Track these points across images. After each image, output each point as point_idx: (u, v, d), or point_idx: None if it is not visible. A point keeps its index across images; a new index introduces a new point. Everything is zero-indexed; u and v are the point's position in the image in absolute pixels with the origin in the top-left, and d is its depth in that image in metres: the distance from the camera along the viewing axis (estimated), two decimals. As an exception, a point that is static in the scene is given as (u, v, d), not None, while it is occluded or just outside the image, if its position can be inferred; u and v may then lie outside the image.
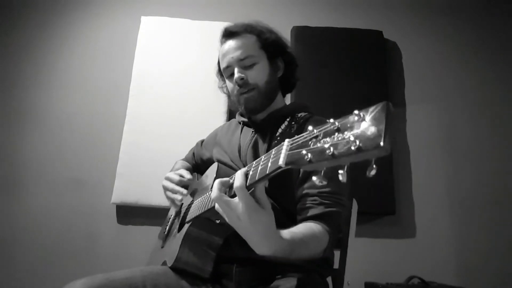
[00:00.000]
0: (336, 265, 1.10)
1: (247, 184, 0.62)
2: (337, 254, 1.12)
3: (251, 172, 0.63)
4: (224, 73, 1.13)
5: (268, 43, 1.11)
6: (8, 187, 2.11)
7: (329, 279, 1.05)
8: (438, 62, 2.36)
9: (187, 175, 1.11)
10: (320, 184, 0.49)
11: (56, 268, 1.97)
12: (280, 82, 1.15)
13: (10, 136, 2.20)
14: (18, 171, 2.14)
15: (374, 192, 2.01)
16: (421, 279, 1.77)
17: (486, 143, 2.21)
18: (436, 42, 2.39)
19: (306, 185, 0.93)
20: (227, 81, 1.14)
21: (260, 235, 0.65)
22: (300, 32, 2.30)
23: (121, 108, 2.18)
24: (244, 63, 1.07)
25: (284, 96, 1.20)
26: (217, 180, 0.68)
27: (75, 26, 2.41)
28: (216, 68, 1.23)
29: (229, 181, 0.69)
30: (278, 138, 1.02)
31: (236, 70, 1.06)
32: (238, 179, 0.63)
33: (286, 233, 0.73)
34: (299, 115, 1.08)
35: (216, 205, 0.68)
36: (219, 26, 2.23)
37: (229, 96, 1.21)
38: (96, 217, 2.07)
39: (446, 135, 2.23)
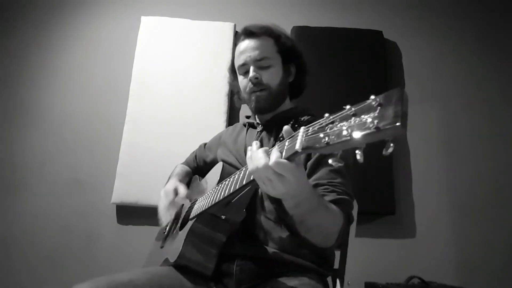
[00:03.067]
0: (336, 265, 1.10)
1: (287, 156, 0.61)
2: (337, 254, 1.12)
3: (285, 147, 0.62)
4: (239, 70, 1.16)
5: (284, 48, 1.15)
6: (8, 187, 2.11)
7: (329, 279, 1.05)
8: (438, 62, 2.36)
9: (182, 192, 1.11)
10: (338, 166, 0.50)
11: (56, 268, 1.97)
12: (289, 87, 1.18)
13: (10, 136, 2.20)
14: (18, 171, 2.14)
15: (374, 192, 2.01)
16: (421, 279, 1.77)
17: (486, 143, 2.21)
18: (436, 42, 2.39)
19: (314, 176, 0.95)
20: (240, 77, 1.16)
21: (297, 184, 0.66)
22: (300, 32, 2.30)
23: (121, 108, 2.18)
24: (261, 64, 1.10)
25: (291, 100, 1.23)
26: (261, 149, 0.68)
27: (75, 26, 2.40)
28: (229, 64, 1.25)
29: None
30: (281, 138, 1.03)
31: (251, 69, 1.10)
32: (274, 154, 0.63)
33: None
34: (302, 118, 1.10)
35: (254, 165, 0.67)
36: (220, 26, 2.25)
37: (237, 93, 1.25)
38: (96, 217, 2.07)
39: (445, 135, 2.23)
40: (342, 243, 1.11)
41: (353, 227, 1.15)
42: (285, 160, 0.62)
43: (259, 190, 0.99)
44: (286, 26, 2.25)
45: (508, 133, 2.23)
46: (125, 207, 2.06)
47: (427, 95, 2.31)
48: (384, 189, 2.04)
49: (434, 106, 2.29)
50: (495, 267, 2.00)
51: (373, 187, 2.01)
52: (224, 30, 2.26)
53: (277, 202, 0.98)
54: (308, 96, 2.03)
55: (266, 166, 0.64)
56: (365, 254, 1.93)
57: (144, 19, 2.33)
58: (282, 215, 0.95)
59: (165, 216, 1.11)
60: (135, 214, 2.05)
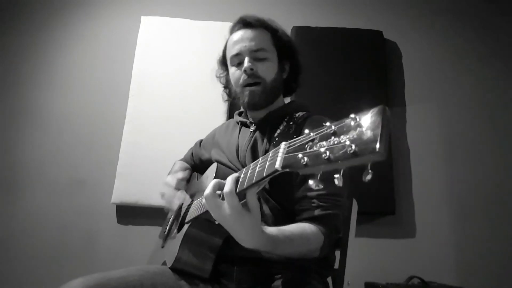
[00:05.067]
0: (336, 265, 1.09)
1: (237, 191, 0.65)
2: (337, 254, 1.12)
3: (241, 179, 0.66)
4: (231, 60, 1.11)
5: (281, 43, 1.12)
6: (8, 187, 2.11)
7: (329, 279, 1.05)
8: (438, 62, 2.36)
9: (183, 175, 1.15)
10: (317, 188, 0.48)
11: (56, 268, 1.97)
12: (283, 84, 1.15)
13: (10, 136, 2.20)
14: (18, 171, 2.14)
15: (374, 192, 2.01)
16: (421, 279, 1.77)
17: (486, 143, 2.21)
18: (436, 42, 2.39)
19: (305, 186, 0.93)
20: (232, 69, 1.11)
21: (243, 233, 0.70)
22: (300, 32, 2.30)
23: (121, 108, 2.18)
24: (257, 55, 1.06)
25: (284, 98, 1.20)
26: (215, 180, 0.71)
27: (75, 26, 2.40)
28: (220, 56, 1.21)
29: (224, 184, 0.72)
30: (277, 139, 1.01)
31: (246, 59, 1.05)
32: (228, 185, 0.66)
33: (273, 230, 0.76)
34: (297, 114, 1.07)
35: (204, 201, 0.71)
36: (220, 26, 2.25)
37: (226, 86, 1.21)
38: (96, 217, 2.07)
39: (446, 135, 2.23)
40: (337, 246, 1.10)
41: (353, 227, 1.15)
42: (216, 199, 0.68)
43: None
44: (286, 26, 2.24)
45: (508, 133, 2.23)
46: (125, 207, 2.06)
47: (427, 95, 2.31)
48: (384, 189, 2.04)
49: (434, 106, 2.29)
50: (495, 267, 1.99)
51: (373, 187, 2.00)
52: (224, 30, 2.25)
53: (275, 205, 0.97)
54: (308, 96, 2.04)
55: (210, 196, 0.69)
56: (365, 254, 1.94)
57: (144, 19, 2.33)
58: (280, 216, 0.94)
59: (172, 204, 1.10)
60: (135, 214, 2.05)
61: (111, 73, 2.31)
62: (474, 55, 2.37)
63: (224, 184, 0.69)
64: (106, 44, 2.37)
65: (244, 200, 0.66)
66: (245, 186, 0.63)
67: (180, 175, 1.18)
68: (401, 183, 2.13)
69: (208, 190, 0.69)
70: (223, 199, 0.67)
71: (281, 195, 0.97)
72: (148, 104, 2.18)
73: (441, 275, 1.91)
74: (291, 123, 1.04)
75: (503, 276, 1.98)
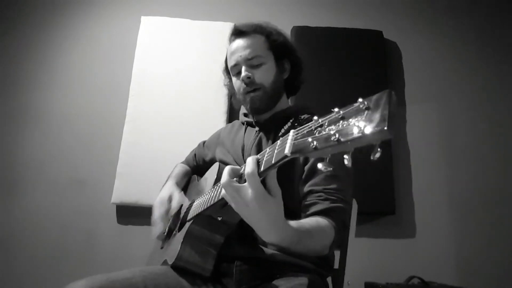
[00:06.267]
0: (336, 265, 1.10)
1: (260, 171, 0.62)
2: (337, 254, 1.12)
3: (263, 159, 0.63)
4: (231, 71, 1.15)
5: (276, 44, 1.13)
6: (8, 187, 2.11)
7: (329, 279, 1.05)
8: (438, 62, 2.36)
9: (176, 200, 1.13)
10: (325, 170, 0.50)
11: (56, 268, 1.97)
12: (285, 84, 1.17)
13: (10, 136, 2.19)
14: (18, 171, 2.14)
15: (374, 192, 2.01)
16: (421, 279, 1.77)
17: (486, 143, 2.21)
18: (436, 42, 2.39)
19: (310, 182, 0.95)
20: (233, 79, 1.16)
21: (268, 222, 0.66)
22: (300, 32, 2.30)
23: (121, 108, 2.18)
24: (252, 63, 1.09)
25: (288, 98, 1.22)
26: (228, 167, 0.68)
27: (75, 26, 2.40)
28: (223, 66, 1.25)
29: (239, 169, 0.69)
30: (281, 138, 1.03)
31: (243, 68, 1.08)
32: (249, 165, 0.63)
33: (293, 222, 0.75)
34: (301, 116, 1.09)
35: (223, 192, 0.68)
36: (220, 26, 2.25)
37: (233, 94, 1.23)
38: (96, 217, 2.07)
39: (446, 135, 2.23)
40: (341, 244, 1.10)
41: (353, 227, 1.15)
42: (236, 184, 0.64)
43: None
44: (286, 26, 2.27)
45: (508, 133, 2.23)
46: (125, 207, 2.06)
47: (427, 95, 2.31)
48: (384, 189, 2.04)
49: (434, 106, 2.29)
50: (495, 267, 2.00)
51: (373, 187, 2.01)
52: (224, 30, 2.24)
53: None
54: (309, 96, 2.04)
55: (228, 182, 0.66)
56: (365, 254, 1.94)
57: (144, 19, 2.33)
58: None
59: (159, 226, 1.12)
60: (135, 214, 2.05)
61: (111, 73, 2.31)
62: (474, 55, 2.37)
63: (237, 170, 0.68)
64: (106, 44, 2.37)
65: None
66: (267, 166, 0.61)
67: (163, 208, 1.14)
68: (401, 183, 2.13)
69: (224, 178, 0.66)
70: (243, 182, 0.65)
71: (283, 193, 0.97)
72: (148, 104, 2.18)
73: (441, 275, 1.91)
74: (296, 124, 1.06)
75: (503, 276, 1.99)
